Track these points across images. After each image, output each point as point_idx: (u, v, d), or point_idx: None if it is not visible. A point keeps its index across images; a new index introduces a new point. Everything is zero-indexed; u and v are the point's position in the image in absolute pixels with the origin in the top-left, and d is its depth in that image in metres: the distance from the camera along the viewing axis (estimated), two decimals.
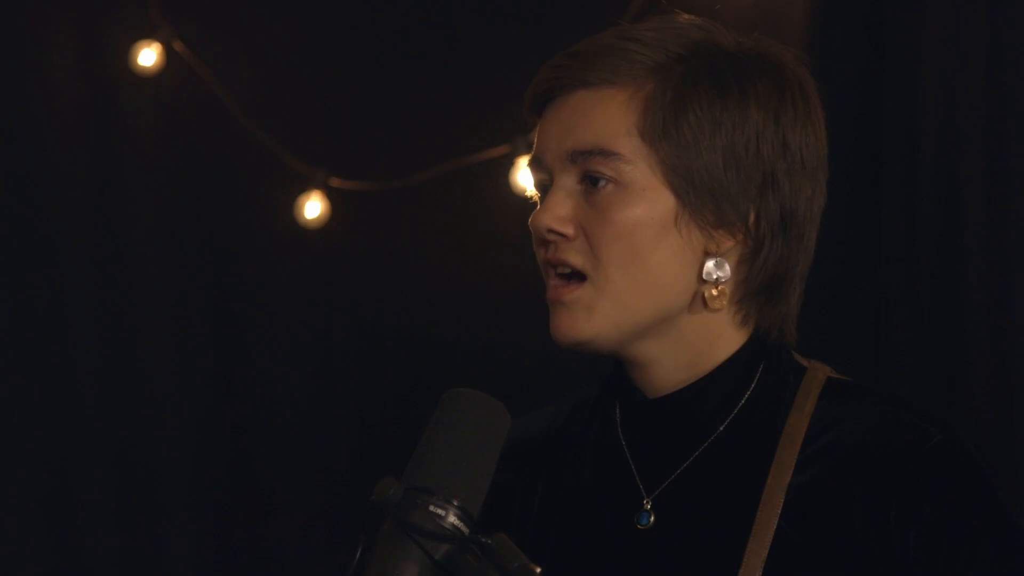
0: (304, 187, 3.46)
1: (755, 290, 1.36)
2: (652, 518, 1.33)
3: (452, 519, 1.19)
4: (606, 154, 1.33)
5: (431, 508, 1.19)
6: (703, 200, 1.32)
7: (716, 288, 1.33)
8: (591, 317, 1.33)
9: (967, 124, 2.81)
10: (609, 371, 1.44)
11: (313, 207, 3.47)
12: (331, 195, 3.52)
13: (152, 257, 3.39)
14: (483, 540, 1.16)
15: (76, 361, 3.68)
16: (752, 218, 1.34)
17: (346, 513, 3.23)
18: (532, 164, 1.43)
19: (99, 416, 3.43)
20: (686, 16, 1.40)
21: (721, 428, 1.34)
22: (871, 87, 2.94)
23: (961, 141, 2.81)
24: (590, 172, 1.35)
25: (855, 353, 2.72)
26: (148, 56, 3.39)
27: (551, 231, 1.35)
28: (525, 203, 3.29)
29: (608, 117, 1.34)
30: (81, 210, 3.41)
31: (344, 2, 3.70)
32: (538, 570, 1.10)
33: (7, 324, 3.68)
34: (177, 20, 3.40)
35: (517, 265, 3.44)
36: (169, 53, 3.47)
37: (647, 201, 1.33)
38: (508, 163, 3.47)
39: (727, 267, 1.34)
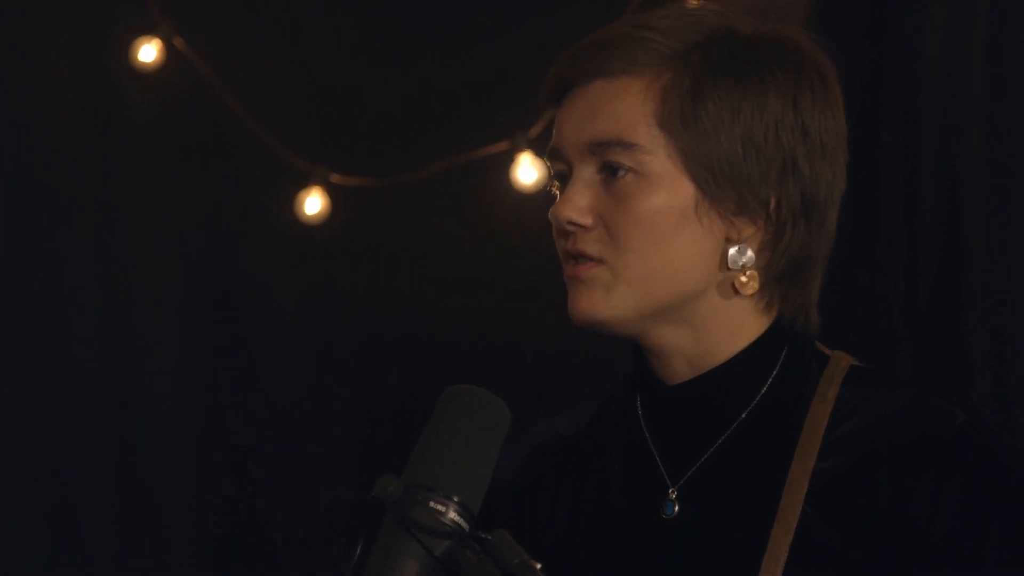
0: (304, 183, 3.46)
1: (778, 276, 1.37)
2: (677, 508, 1.34)
3: (452, 515, 1.18)
4: (625, 145, 1.34)
5: (431, 504, 1.19)
6: (723, 188, 1.33)
7: (746, 273, 1.35)
8: (609, 297, 1.33)
9: (967, 123, 2.81)
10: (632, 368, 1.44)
11: (313, 203, 3.46)
12: (331, 191, 3.52)
13: (152, 253, 3.40)
14: (483, 536, 1.16)
15: (76, 360, 3.67)
16: (773, 204, 1.33)
17: (347, 511, 3.23)
18: (550, 154, 1.42)
19: (99, 416, 3.44)
20: (695, 1, 1.40)
21: (743, 415, 1.35)
22: (871, 88, 2.94)
23: (961, 140, 2.81)
24: (609, 162, 1.34)
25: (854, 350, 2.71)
26: (148, 52, 3.39)
27: (571, 222, 1.36)
28: (525, 199, 3.30)
29: (626, 107, 1.35)
30: (81, 207, 3.41)
31: None
32: (538, 566, 1.10)
33: (7, 323, 3.68)
34: (177, 16, 3.40)
35: (517, 260, 3.45)
36: (169, 49, 3.47)
37: (667, 190, 1.34)
38: (508, 159, 3.48)
39: (750, 252, 1.35)
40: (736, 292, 1.35)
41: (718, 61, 1.34)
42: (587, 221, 1.35)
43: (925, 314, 2.79)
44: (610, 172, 1.35)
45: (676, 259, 1.34)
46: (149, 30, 3.35)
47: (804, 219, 1.36)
